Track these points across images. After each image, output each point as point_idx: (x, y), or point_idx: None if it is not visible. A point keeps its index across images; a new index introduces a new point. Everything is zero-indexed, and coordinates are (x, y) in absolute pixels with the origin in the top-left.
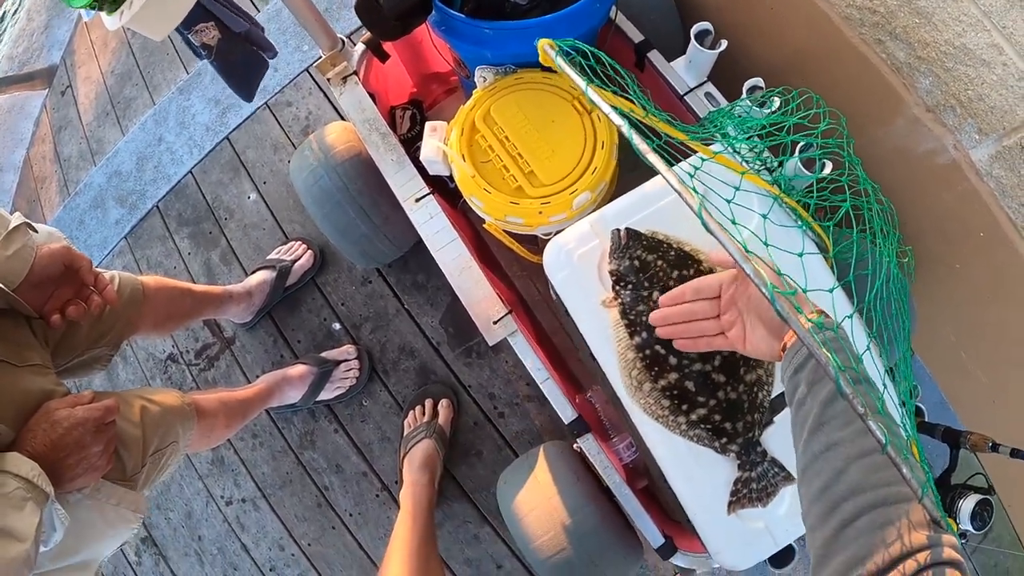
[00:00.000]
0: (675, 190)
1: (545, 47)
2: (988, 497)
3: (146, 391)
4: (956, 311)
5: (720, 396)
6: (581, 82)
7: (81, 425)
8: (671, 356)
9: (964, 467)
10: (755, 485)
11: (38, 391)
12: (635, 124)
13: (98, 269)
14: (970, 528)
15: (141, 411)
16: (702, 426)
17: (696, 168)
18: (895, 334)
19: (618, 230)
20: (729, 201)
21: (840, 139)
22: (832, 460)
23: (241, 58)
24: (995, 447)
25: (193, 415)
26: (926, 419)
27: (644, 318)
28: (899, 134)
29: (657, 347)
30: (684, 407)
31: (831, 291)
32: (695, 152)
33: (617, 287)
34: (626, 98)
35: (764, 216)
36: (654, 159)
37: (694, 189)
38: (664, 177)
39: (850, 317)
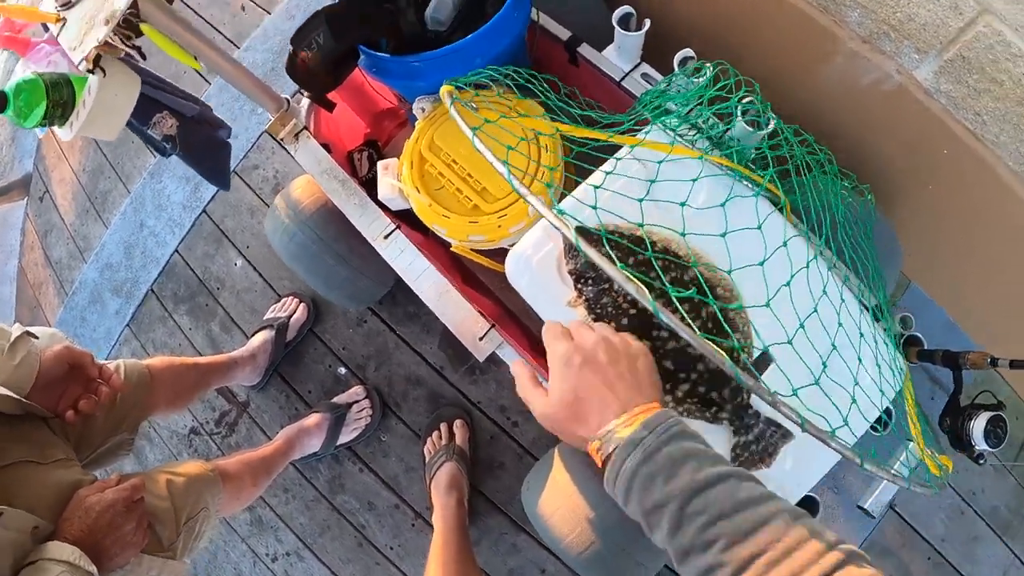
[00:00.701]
0: (554, 225)
1: (443, 95)
2: (999, 413)
3: (170, 465)
4: (939, 231)
5: (700, 368)
6: (468, 131)
7: (112, 507)
8: (643, 339)
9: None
10: (755, 447)
11: (68, 483)
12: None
13: (102, 361)
14: (985, 447)
15: (167, 484)
16: (689, 400)
17: (607, 173)
18: (871, 275)
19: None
20: (641, 200)
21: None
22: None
23: (204, 141)
24: (994, 362)
25: (218, 479)
26: (925, 347)
27: (610, 309)
28: (841, 71)
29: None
30: (668, 386)
31: (784, 244)
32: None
33: (579, 284)
34: (554, 117)
35: (692, 180)
36: (533, 200)
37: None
38: (542, 213)
39: (806, 267)
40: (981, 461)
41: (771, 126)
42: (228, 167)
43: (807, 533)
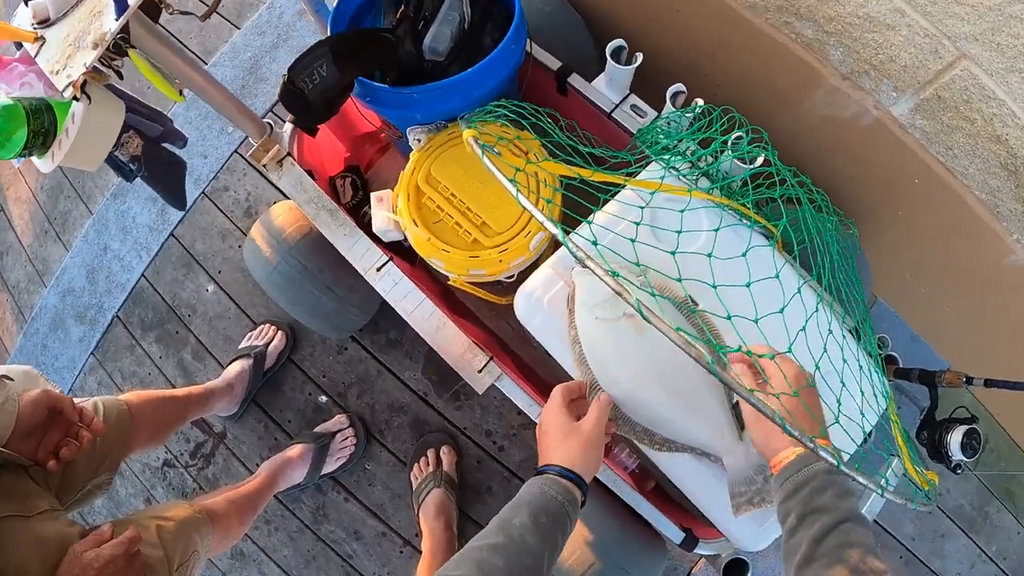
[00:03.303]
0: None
1: (469, 140)
2: (974, 426)
3: (157, 509)
4: (906, 253)
5: None
6: (510, 185)
7: (111, 562)
8: None
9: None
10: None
11: (55, 536)
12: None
13: (80, 402)
14: (962, 458)
15: (158, 531)
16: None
17: (637, 224)
18: (852, 300)
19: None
20: (674, 252)
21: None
22: None
23: (165, 161)
24: (969, 381)
25: (207, 521)
26: (900, 365)
27: None
28: (822, 104)
29: None
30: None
31: (799, 291)
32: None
33: None
34: (566, 158)
35: (715, 229)
36: (612, 283)
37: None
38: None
39: (799, 291)
40: (959, 471)
41: (760, 160)
42: (184, 185)
43: None
